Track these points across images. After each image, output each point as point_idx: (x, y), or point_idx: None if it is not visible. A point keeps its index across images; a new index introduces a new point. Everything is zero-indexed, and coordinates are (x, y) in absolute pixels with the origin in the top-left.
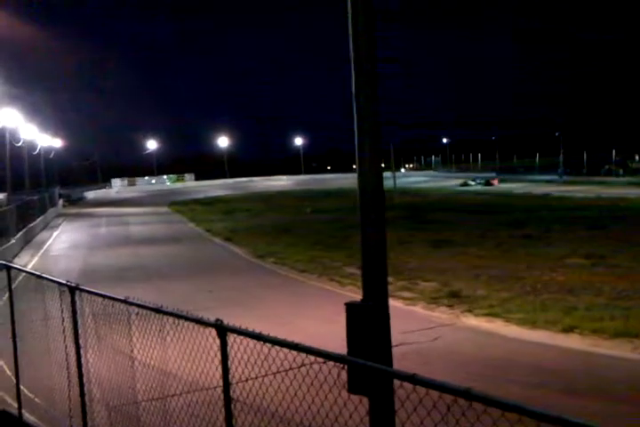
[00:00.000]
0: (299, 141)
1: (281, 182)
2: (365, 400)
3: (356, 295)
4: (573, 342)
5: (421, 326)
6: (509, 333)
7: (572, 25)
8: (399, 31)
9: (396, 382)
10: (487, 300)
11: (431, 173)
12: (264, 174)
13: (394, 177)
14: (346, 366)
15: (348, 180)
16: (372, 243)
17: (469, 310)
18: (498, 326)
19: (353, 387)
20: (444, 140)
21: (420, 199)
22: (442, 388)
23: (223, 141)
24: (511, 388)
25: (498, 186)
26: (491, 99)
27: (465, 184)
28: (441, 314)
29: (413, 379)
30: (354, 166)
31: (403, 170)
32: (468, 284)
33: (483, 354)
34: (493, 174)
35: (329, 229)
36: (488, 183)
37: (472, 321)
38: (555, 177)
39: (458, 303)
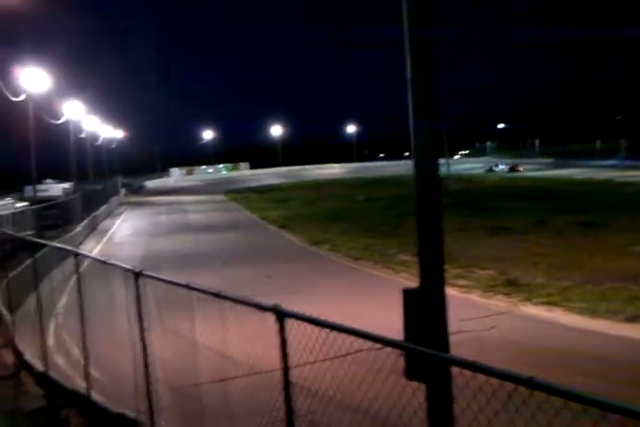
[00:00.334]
0: (351, 129)
1: (333, 170)
2: (423, 387)
3: (411, 283)
4: (636, 332)
5: (477, 314)
6: (569, 322)
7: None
8: (454, 11)
9: (455, 370)
10: (546, 288)
11: (486, 159)
12: (317, 163)
13: (447, 163)
14: (403, 353)
15: (400, 167)
16: (428, 229)
17: (528, 299)
18: (557, 315)
19: (411, 373)
20: (500, 126)
21: (476, 186)
22: (503, 376)
23: (277, 130)
24: (573, 378)
25: (523, 172)
26: (548, 83)
27: (490, 170)
28: (498, 302)
29: (473, 366)
30: (406, 153)
31: (457, 156)
32: (526, 272)
33: (541, 343)
34: (513, 161)
35: (382, 217)
36: (512, 169)
37: (530, 310)
38: (616, 162)
39: (515, 292)
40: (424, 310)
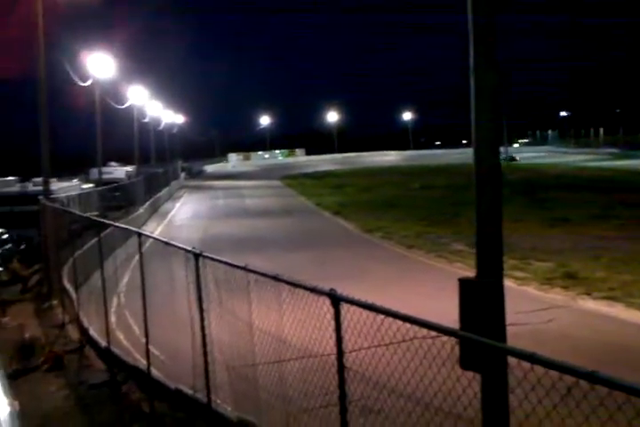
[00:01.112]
0: (407, 116)
1: (389, 158)
2: (478, 377)
3: (465, 273)
4: None
5: (534, 306)
6: (630, 318)
7: None
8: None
9: (512, 361)
10: (607, 282)
11: (547, 148)
12: (372, 150)
13: (506, 152)
14: (458, 342)
15: (457, 155)
16: (487, 219)
17: (587, 293)
18: (618, 311)
19: (465, 363)
20: (562, 113)
21: (536, 175)
22: (563, 369)
23: (333, 117)
24: (635, 375)
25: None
26: (613, 70)
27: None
28: (555, 295)
29: (532, 358)
30: (464, 141)
31: (516, 145)
32: (585, 265)
33: (600, 338)
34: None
35: (437, 206)
36: (513, 159)
37: (589, 304)
38: None
39: (574, 285)
40: (481, 299)
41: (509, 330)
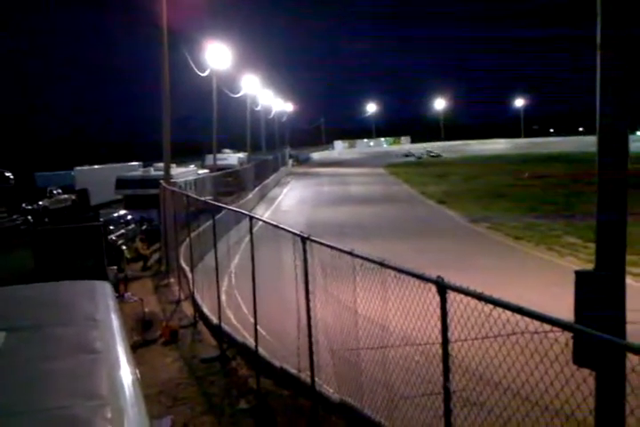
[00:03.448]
0: (519, 103)
1: (498, 146)
2: (593, 376)
3: (577, 267)
4: None
5: None
6: None
7: None
8: None
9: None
10: None
11: None
12: (481, 137)
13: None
14: (571, 338)
15: (571, 143)
16: (610, 209)
17: None
18: None
19: (579, 359)
20: None
21: None
22: None
23: (440, 104)
24: None
25: None
26: None
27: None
28: None
29: None
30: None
31: (639, 133)
32: None
33: None
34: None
35: (548, 196)
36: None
37: None
38: None
39: None
40: (599, 293)
41: (627, 328)
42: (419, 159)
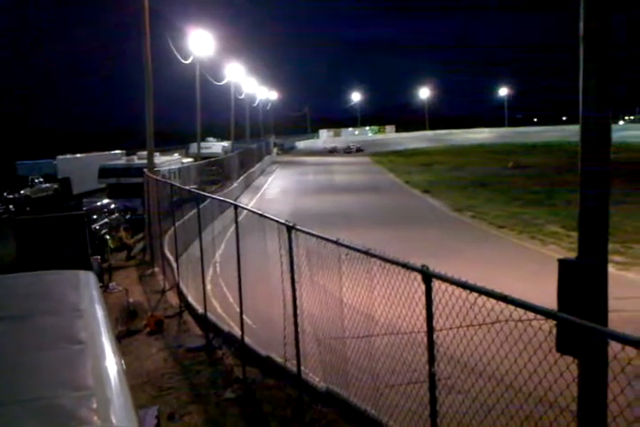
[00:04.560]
0: (503, 92)
1: (482, 135)
2: (575, 364)
3: (559, 255)
4: None
5: (636, 293)
6: None
7: None
8: None
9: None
10: None
11: None
12: (464, 127)
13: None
14: (554, 326)
15: (555, 133)
16: (592, 198)
17: None
18: None
19: (562, 347)
20: None
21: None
22: None
23: (424, 93)
24: None
25: None
26: None
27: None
28: None
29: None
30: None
31: (621, 122)
32: None
33: None
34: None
35: (531, 185)
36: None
37: None
38: None
39: None
40: (582, 281)
41: (609, 316)
42: (347, 153)
